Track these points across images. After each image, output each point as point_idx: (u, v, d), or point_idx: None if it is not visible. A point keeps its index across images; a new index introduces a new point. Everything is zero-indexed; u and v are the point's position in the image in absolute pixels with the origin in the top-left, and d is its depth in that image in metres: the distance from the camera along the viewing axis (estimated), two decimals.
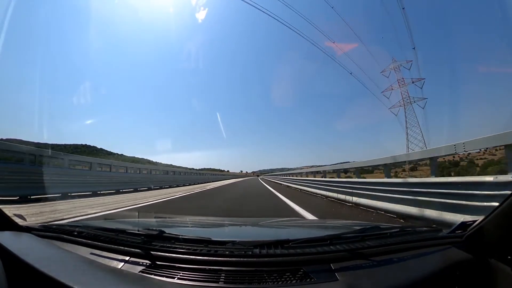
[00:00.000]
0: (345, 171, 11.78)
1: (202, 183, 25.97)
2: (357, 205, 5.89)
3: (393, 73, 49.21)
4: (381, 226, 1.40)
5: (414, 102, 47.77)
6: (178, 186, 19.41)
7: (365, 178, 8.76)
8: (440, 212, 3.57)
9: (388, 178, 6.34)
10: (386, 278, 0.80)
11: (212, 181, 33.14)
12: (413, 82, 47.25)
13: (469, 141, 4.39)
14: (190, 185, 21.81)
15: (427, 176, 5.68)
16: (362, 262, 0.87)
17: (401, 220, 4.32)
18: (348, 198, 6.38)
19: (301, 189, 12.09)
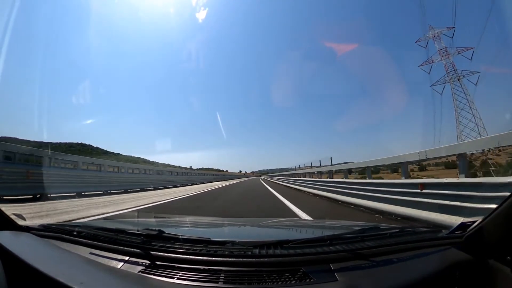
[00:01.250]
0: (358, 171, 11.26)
1: (194, 185, 23.82)
2: None
3: (432, 43, 38.26)
4: (381, 227, 1.40)
5: (463, 77, 35.56)
6: (165, 187, 18.03)
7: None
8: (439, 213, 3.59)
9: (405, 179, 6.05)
10: (385, 278, 0.80)
11: (208, 182, 31.37)
12: (459, 53, 35.80)
13: (472, 141, 4.40)
14: (181, 186, 20.31)
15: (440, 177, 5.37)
16: (361, 262, 0.87)
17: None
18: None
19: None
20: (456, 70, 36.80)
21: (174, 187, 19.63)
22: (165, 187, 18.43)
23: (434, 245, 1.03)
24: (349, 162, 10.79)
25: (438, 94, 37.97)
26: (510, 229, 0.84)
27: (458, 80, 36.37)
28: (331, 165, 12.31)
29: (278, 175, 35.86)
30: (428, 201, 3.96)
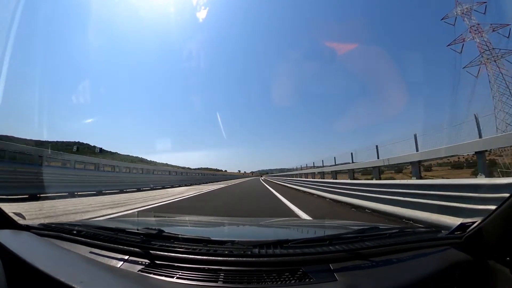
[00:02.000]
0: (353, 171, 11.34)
1: (189, 186, 21.90)
2: None
3: (460, 20, 32.62)
4: (380, 227, 1.40)
5: (502, 57, 30.38)
6: (138, 190, 14.95)
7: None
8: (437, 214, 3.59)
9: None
10: (385, 278, 0.80)
11: (206, 183, 29.07)
12: (494, 30, 30.68)
13: (475, 141, 4.35)
14: (179, 186, 19.48)
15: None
16: (361, 262, 0.87)
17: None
18: None
19: None
20: (493, 49, 30.94)
21: (172, 187, 19.43)
22: (164, 187, 18.50)
23: (433, 245, 1.03)
24: (349, 163, 10.87)
25: (460, 79, 32.80)
26: (510, 230, 0.84)
27: (495, 61, 30.64)
28: (323, 165, 12.67)
29: (279, 175, 35.55)
30: (406, 199, 4.26)
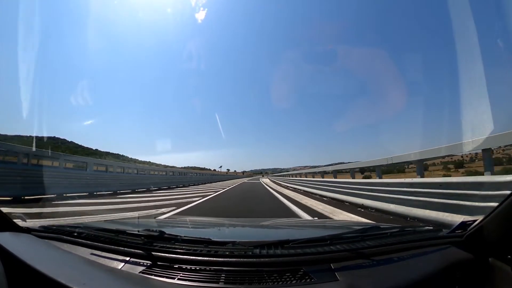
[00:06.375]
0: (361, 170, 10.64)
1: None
2: None
3: None
4: (381, 226, 1.40)
5: None
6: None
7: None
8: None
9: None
10: (386, 277, 0.80)
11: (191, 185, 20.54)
12: None
13: (478, 140, 4.28)
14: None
15: None
16: (362, 262, 0.87)
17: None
18: None
19: None
20: None
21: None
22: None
23: (434, 244, 1.03)
24: (352, 162, 10.46)
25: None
26: (511, 228, 0.84)
27: None
28: (327, 164, 12.03)
29: (278, 175, 34.36)
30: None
